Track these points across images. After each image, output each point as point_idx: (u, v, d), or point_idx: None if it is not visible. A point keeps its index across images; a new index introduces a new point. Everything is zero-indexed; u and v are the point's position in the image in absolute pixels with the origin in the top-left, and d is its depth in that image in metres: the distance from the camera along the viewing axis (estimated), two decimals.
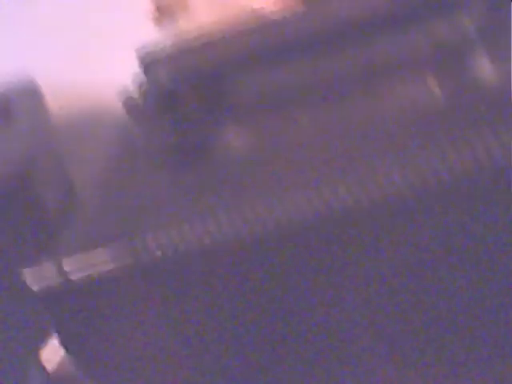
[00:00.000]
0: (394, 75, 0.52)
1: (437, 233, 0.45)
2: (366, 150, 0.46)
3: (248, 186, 0.47)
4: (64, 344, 0.50)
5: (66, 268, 0.46)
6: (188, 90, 0.57)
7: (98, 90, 1.00)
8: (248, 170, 0.49)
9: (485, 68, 0.50)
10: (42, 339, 0.62)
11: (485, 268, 0.46)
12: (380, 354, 0.50)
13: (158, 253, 0.46)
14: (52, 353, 0.61)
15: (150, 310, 0.48)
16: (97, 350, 0.49)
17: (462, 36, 0.52)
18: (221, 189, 0.48)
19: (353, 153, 0.46)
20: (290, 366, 0.51)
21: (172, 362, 0.50)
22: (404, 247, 0.46)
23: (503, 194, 0.43)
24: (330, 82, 0.53)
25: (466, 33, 0.52)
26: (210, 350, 0.49)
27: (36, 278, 0.47)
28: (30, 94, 0.97)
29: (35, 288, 0.47)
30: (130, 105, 0.61)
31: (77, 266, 0.46)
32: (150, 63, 0.61)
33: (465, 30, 0.52)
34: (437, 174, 0.43)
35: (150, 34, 0.71)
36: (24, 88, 0.98)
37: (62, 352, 0.61)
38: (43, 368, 0.61)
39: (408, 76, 0.52)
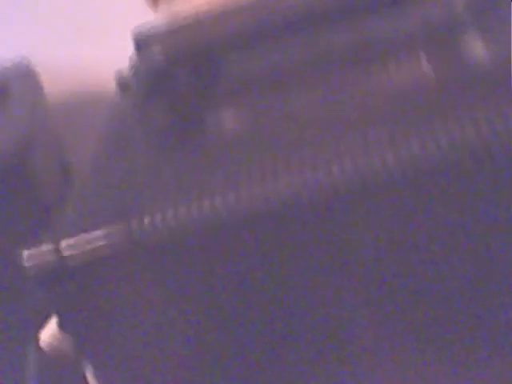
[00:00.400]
0: (387, 54, 0.52)
1: (438, 211, 0.45)
2: (360, 128, 0.46)
3: (242, 164, 0.47)
4: (60, 323, 0.50)
5: (63, 249, 0.46)
6: (180, 68, 0.57)
7: (94, 73, 1.00)
8: (242, 148, 0.49)
9: (476, 47, 0.51)
10: (40, 322, 0.62)
11: (489, 247, 0.46)
12: (381, 346, 0.51)
13: (154, 233, 0.46)
14: (50, 334, 0.61)
15: (146, 288, 0.48)
16: (93, 329, 0.50)
17: (453, 16, 0.52)
18: (216, 168, 0.48)
19: (346, 130, 0.46)
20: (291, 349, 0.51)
21: (169, 341, 0.50)
22: (403, 226, 0.46)
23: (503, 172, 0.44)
24: (322, 61, 0.53)
25: (458, 12, 0.52)
26: (208, 328, 0.49)
27: (31, 257, 0.47)
28: (26, 76, 0.97)
29: (30, 267, 0.47)
30: (123, 84, 0.61)
31: (74, 247, 0.47)
32: (143, 41, 0.61)
33: (456, 9, 0.52)
34: (430, 151, 0.43)
35: (146, 18, 0.71)
36: (20, 70, 0.98)
37: (59, 333, 0.62)
38: (41, 350, 0.61)
39: (400, 55, 0.52)
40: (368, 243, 0.46)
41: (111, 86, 0.62)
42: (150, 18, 0.72)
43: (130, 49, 0.66)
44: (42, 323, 0.62)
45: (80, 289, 0.48)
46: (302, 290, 0.48)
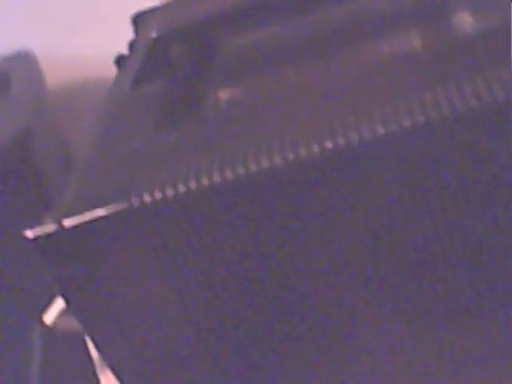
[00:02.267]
0: (379, 31, 0.53)
1: (438, 176, 0.45)
2: (351, 102, 0.46)
3: (238, 141, 0.47)
4: (63, 295, 0.50)
5: (66, 224, 0.47)
6: (176, 45, 0.58)
7: (95, 62, 1.01)
8: (238, 125, 0.49)
9: (464, 20, 0.51)
10: (45, 300, 0.63)
11: (488, 208, 0.46)
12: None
13: (154, 210, 0.46)
14: (55, 315, 0.62)
15: (145, 264, 0.48)
16: (95, 302, 0.50)
17: None
18: (212, 145, 0.48)
19: (339, 105, 0.47)
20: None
21: (170, 312, 0.50)
22: (404, 188, 0.45)
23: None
24: (316, 37, 0.54)
25: None
26: (209, 299, 0.50)
27: (35, 232, 0.47)
28: (27, 66, 0.98)
29: (31, 236, 0.47)
30: (120, 60, 0.61)
31: (76, 223, 0.47)
32: (140, 20, 0.62)
33: None
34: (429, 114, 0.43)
35: (146, 5, 0.72)
36: (21, 60, 0.99)
37: (64, 313, 0.63)
38: (46, 331, 0.62)
39: (392, 31, 0.53)
40: (367, 234, 0.47)
41: (112, 74, 0.62)
42: (149, 5, 0.73)
43: (130, 37, 0.66)
44: (46, 305, 0.63)
45: (82, 261, 0.48)
46: (298, 235, 0.47)
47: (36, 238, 0.47)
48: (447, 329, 0.50)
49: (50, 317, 0.62)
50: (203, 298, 0.49)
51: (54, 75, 1.00)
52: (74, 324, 0.63)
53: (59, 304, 0.62)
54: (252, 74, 0.54)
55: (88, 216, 0.47)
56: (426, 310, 0.49)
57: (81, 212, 0.47)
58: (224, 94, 0.54)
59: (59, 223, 0.47)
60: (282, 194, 0.46)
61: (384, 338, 0.51)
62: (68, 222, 0.47)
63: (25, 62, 0.99)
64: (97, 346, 0.52)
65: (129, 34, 0.66)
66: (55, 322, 0.61)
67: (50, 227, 0.47)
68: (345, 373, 0.52)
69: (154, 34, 0.59)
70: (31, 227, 0.48)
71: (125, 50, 0.65)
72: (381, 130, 0.43)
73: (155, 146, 0.51)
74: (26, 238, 0.48)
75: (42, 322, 0.62)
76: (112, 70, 0.63)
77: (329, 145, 0.44)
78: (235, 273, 0.48)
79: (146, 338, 0.51)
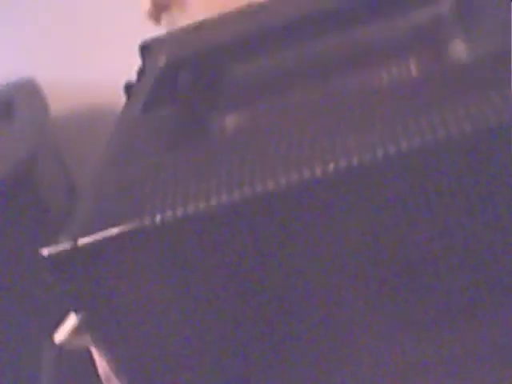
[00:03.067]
0: (377, 58, 0.54)
1: (435, 197, 0.46)
2: (352, 127, 0.48)
3: (245, 164, 0.49)
4: (76, 311, 0.51)
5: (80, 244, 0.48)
6: (183, 72, 0.59)
7: (98, 90, 1.01)
8: (244, 148, 0.51)
9: (460, 48, 0.53)
10: (55, 321, 0.64)
11: (490, 243, 0.47)
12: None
13: (165, 229, 0.48)
14: (66, 332, 0.63)
15: (158, 276, 0.50)
16: (107, 315, 0.51)
17: (440, 19, 0.54)
18: (219, 167, 0.49)
19: (342, 130, 0.48)
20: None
21: (177, 332, 0.52)
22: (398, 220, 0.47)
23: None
24: (318, 64, 0.55)
25: (445, 16, 0.54)
26: (216, 310, 0.51)
27: (49, 251, 0.49)
28: (31, 94, 0.99)
29: (45, 254, 0.49)
30: (128, 88, 0.62)
31: (90, 243, 0.48)
32: (147, 48, 0.63)
33: (443, 13, 0.54)
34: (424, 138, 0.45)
35: (151, 34, 0.73)
36: (25, 88, 1.00)
37: (76, 331, 0.64)
38: (56, 349, 0.63)
39: (390, 58, 0.54)
40: (365, 238, 0.48)
41: (115, 103, 0.64)
42: (154, 34, 0.74)
43: (135, 66, 0.67)
44: (57, 323, 0.64)
45: (95, 278, 0.50)
46: (301, 255, 0.49)
47: (50, 256, 0.49)
48: (447, 329, 0.51)
49: (60, 335, 0.63)
50: (207, 294, 0.50)
51: (58, 102, 1.00)
52: (84, 342, 0.65)
53: (70, 322, 0.64)
54: (256, 100, 0.56)
55: (101, 235, 0.48)
56: (426, 310, 0.50)
57: (94, 231, 0.48)
58: (229, 119, 0.55)
59: (73, 241, 0.48)
60: (288, 211, 0.47)
61: (384, 338, 0.52)
62: (82, 241, 0.48)
63: (28, 89, 0.99)
64: (110, 362, 0.53)
65: (133, 62, 0.68)
66: (66, 341, 0.63)
67: (64, 245, 0.49)
68: (345, 373, 0.53)
69: (162, 62, 0.61)
70: (45, 246, 0.49)
71: (129, 78, 0.66)
72: (380, 152, 0.45)
73: (165, 168, 0.52)
74: (40, 257, 0.49)
75: (53, 340, 0.63)
76: (114, 97, 0.65)
77: (331, 167, 0.46)
78: (235, 273, 0.49)
79: (153, 350, 0.53)
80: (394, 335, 0.51)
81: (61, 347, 0.63)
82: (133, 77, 0.65)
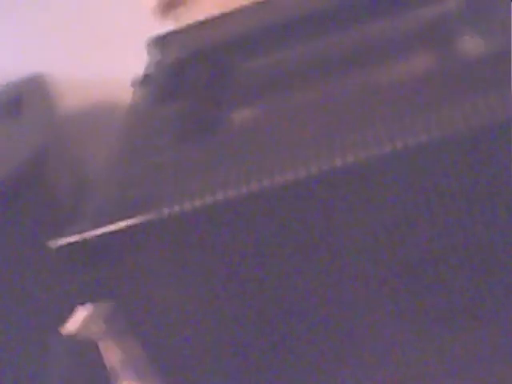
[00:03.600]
0: (387, 52, 0.55)
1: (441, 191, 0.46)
2: (361, 122, 0.48)
3: (254, 156, 0.49)
4: (83, 301, 0.53)
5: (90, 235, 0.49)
6: (193, 65, 0.60)
7: (106, 85, 1.02)
8: (253, 141, 0.51)
9: (472, 44, 0.53)
10: (64, 310, 0.64)
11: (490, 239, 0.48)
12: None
13: (181, 221, 0.48)
14: (76, 324, 0.63)
15: (163, 267, 0.51)
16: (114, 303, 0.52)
17: (450, 14, 0.55)
18: (229, 162, 0.50)
19: (349, 125, 0.48)
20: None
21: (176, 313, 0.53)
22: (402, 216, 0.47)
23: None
24: (327, 59, 0.56)
25: (455, 11, 0.55)
26: (227, 302, 0.51)
27: (60, 242, 0.50)
28: (39, 90, 0.99)
29: (54, 246, 0.50)
30: (138, 82, 0.63)
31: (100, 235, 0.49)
32: (155, 43, 0.63)
33: (453, 8, 0.55)
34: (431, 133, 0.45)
35: (159, 30, 0.73)
36: (34, 84, 1.00)
37: (83, 319, 0.64)
38: (65, 342, 0.63)
39: (400, 53, 0.55)
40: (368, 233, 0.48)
41: (124, 99, 0.64)
42: (162, 30, 0.74)
43: (142, 60, 0.68)
44: (66, 315, 0.64)
45: (102, 269, 0.50)
46: (309, 244, 0.49)
47: (58, 249, 0.50)
48: (447, 329, 0.51)
49: (71, 326, 0.64)
50: (218, 282, 0.51)
51: (66, 99, 1.01)
52: (93, 334, 0.65)
53: (79, 314, 0.64)
54: (264, 94, 0.56)
55: (108, 228, 0.49)
56: (427, 310, 0.51)
57: (101, 224, 0.49)
58: (237, 115, 0.56)
59: (81, 234, 0.49)
60: (294, 205, 0.48)
61: (384, 338, 0.52)
62: (89, 234, 0.49)
63: (37, 85, 1.00)
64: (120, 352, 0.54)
65: (140, 57, 0.68)
66: (74, 331, 0.63)
67: (72, 238, 0.49)
68: (346, 373, 0.53)
69: (172, 57, 0.62)
70: (53, 239, 0.50)
71: (137, 74, 0.66)
72: (387, 147, 0.45)
73: (174, 161, 0.53)
74: (48, 249, 0.50)
75: (61, 331, 0.64)
76: (122, 93, 0.65)
77: (338, 162, 0.46)
78: (236, 273, 0.50)
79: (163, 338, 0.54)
80: (394, 335, 0.52)
81: (68, 341, 0.63)
82: (141, 73, 0.66)
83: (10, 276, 0.79)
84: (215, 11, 0.66)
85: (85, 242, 0.49)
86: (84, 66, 1.01)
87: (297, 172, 0.47)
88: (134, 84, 0.64)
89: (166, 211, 0.48)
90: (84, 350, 0.66)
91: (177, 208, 0.48)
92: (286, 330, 0.52)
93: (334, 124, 0.49)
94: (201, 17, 0.67)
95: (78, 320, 0.62)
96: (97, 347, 0.69)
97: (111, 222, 0.49)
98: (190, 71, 0.61)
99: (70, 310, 0.63)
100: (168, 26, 0.86)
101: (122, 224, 0.49)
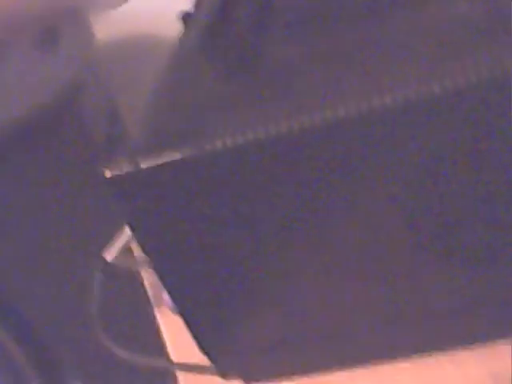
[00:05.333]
0: None
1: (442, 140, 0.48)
2: (395, 62, 0.49)
3: (299, 92, 0.50)
4: (136, 235, 0.53)
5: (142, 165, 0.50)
6: (238, 2, 0.61)
7: (149, 17, 1.02)
8: (297, 77, 0.52)
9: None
10: (106, 238, 0.66)
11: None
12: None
13: (225, 156, 0.49)
14: (116, 250, 0.65)
15: (212, 205, 0.52)
16: (161, 236, 0.53)
17: None
18: (274, 93, 0.51)
19: (386, 64, 0.49)
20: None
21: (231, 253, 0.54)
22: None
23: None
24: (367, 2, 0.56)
25: None
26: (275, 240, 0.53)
27: (112, 170, 0.50)
28: (75, 21, 0.99)
29: (108, 175, 0.50)
30: (185, 18, 0.64)
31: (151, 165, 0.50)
32: None
33: None
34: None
35: None
36: (70, 14, 1.00)
37: (124, 247, 0.66)
38: (106, 264, 0.65)
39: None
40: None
41: (167, 32, 0.64)
42: None
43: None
44: (107, 242, 0.66)
45: (153, 196, 0.51)
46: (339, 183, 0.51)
47: (112, 178, 0.50)
48: (464, 272, 0.53)
49: (110, 253, 0.65)
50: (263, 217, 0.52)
51: (104, 30, 1.01)
52: (133, 261, 0.67)
53: (120, 241, 0.66)
54: (311, 32, 0.56)
55: (164, 158, 0.50)
56: (448, 252, 0.52)
57: (157, 154, 0.50)
58: (284, 50, 0.56)
59: (136, 164, 0.50)
60: (341, 142, 0.49)
61: (402, 277, 0.54)
62: (145, 164, 0.50)
63: (74, 16, 1.00)
64: (161, 277, 0.55)
65: None
66: (116, 259, 0.65)
67: (126, 167, 0.50)
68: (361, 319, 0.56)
69: None
70: (107, 167, 0.51)
71: (183, 8, 0.67)
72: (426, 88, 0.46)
73: (219, 96, 0.53)
74: (101, 177, 0.51)
75: (102, 259, 0.65)
76: (166, 27, 0.65)
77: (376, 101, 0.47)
78: (286, 172, 0.50)
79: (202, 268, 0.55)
80: (413, 270, 0.53)
81: (110, 267, 0.65)
82: (188, 7, 0.66)
83: (57, 204, 0.80)
84: None
85: (140, 171, 0.50)
86: None
87: (347, 108, 0.47)
88: (180, 18, 0.65)
89: (219, 143, 0.49)
90: (123, 277, 0.67)
91: (229, 141, 0.49)
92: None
93: (379, 64, 0.49)
94: None
95: (117, 246, 0.64)
96: (135, 275, 0.71)
97: (166, 153, 0.50)
98: (237, 7, 0.61)
99: (111, 237, 0.65)
100: None
101: (176, 155, 0.50)
